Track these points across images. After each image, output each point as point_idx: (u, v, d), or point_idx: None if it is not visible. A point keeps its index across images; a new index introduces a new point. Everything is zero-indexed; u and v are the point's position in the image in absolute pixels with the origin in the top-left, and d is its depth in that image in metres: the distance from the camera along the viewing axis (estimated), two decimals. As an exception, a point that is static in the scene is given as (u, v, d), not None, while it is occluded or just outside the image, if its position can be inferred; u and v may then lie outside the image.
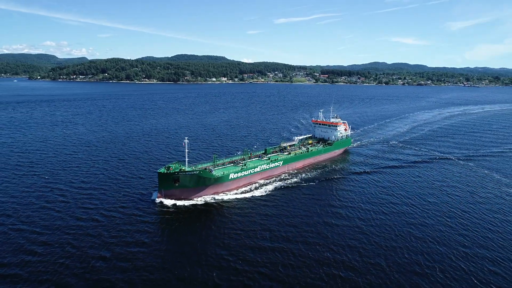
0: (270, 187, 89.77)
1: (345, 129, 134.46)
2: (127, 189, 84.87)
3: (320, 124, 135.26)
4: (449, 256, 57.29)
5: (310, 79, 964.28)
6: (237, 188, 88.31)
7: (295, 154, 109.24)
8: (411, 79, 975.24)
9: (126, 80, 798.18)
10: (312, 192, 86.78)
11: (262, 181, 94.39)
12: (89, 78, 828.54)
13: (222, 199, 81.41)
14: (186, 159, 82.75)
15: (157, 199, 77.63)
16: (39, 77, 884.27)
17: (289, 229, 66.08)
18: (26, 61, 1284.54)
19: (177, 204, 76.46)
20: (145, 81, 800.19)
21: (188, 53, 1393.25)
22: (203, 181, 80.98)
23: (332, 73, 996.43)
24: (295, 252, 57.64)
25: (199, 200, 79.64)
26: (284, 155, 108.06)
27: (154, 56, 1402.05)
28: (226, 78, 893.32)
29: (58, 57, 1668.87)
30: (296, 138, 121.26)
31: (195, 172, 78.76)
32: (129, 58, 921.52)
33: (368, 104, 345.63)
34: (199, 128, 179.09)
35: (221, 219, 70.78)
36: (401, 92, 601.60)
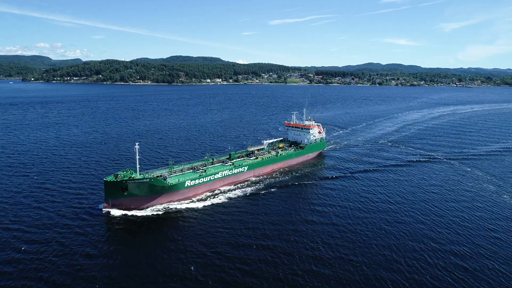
0: (231, 194, 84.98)
1: (319, 132, 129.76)
2: (74, 199, 79.56)
3: (292, 127, 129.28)
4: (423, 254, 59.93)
5: (305, 80, 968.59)
6: (194, 196, 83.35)
7: (262, 158, 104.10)
8: (404, 79, 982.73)
9: (121, 82, 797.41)
10: (276, 199, 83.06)
11: (223, 188, 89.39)
12: (83, 79, 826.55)
13: (176, 208, 76.39)
14: (137, 166, 77.19)
15: (103, 209, 72.87)
16: (32, 78, 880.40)
17: (245, 240, 62.06)
18: (20, 63, 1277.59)
19: (126, 214, 71.85)
20: (140, 82, 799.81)
21: (183, 55, 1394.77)
22: (155, 189, 76.09)
23: (326, 74, 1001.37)
24: (250, 269, 53.13)
25: (150, 210, 74.82)
26: (251, 160, 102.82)
27: (149, 57, 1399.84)
28: (220, 79, 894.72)
29: (52, 58, 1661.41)
30: (265, 141, 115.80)
31: (145, 180, 74.07)
32: (123, 60, 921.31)
33: (359, 104, 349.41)
34: (183, 130, 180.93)
35: (173, 229, 66.56)
36: (394, 92, 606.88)
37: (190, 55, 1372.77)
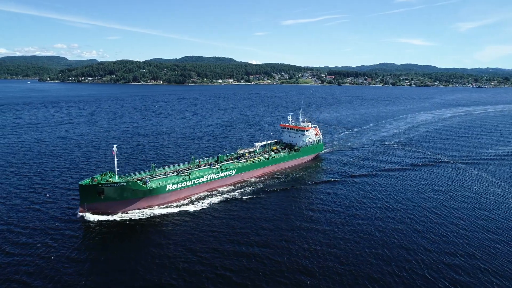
0: (216, 199, 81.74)
1: (316, 134, 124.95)
2: (51, 203, 77.39)
3: (288, 128, 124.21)
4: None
5: (316, 80, 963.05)
6: (177, 201, 79.98)
7: (252, 161, 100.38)
8: (418, 80, 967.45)
9: (133, 82, 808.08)
10: (264, 203, 79.51)
11: (208, 193, 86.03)
12: (97, 79, 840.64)
13: (156, 213, 73.61)
14: (116, 169, 75.31)
15: (78, 213, 70.62)
16: (48, 78, 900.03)
17: (227, 246, 59.65)
18: (37, 63, 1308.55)
19: (103, 219, 69.33)
20: (152, 82, 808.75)
21: (196, 55, 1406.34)
22: (133, 194, 73.13)
23: (339, 74, 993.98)
24: (232, 275, 51.33)
25: (128, 215, 72.13)
26: (240, 162, 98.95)
27: (162, 57, 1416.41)
28: (232, 80, 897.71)
29: (69, 59, 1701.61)
30: (257, 144, 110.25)
31: (122, 183, 71.42)
32: (138, 60, 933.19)
33: (369, 105, 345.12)
34: (188, 130, 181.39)
35: (151, 234, 64.31)
36: (406, 93, 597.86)
37: (203, 56, 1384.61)
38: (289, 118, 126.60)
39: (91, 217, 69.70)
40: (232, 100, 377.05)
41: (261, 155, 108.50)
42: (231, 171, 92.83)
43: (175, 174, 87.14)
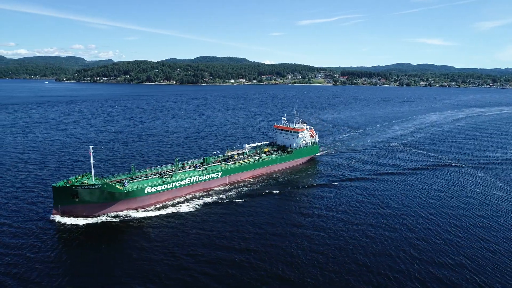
0: (198, 202, 79.07)
1: (311, 136, 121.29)
2: (30, 203, 76.65)
3: (281, 130, 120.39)
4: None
5: (329, 80, 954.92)
6: (157, 204, 77.59)
7: (240, 164, 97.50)
8: (434, 80, 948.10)
9: (147, 82, 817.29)
10: (249, 207, 76.70)
11: (191, 196, 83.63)
12: (112, 79, 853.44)
13: (131, 216, 71.53)
14: (92, 171, 73.46)
15: (51, 215, 68.93)
16: (64, 78, 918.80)
17: (205, 251, 57.72)
18: (55, 64, 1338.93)
19: (75, 223, 67.42)
20: (165, 82, 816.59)
21: (210, 55, 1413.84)
22: (109, 196, 71.17)
23: (352, 75, 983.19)
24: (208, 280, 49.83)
25: (104, 218, 70.09)
26: (228, 165, 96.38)
27: (177, 58, 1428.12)
28: (244, 80, 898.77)
29: (86, 59, 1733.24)
30: (247, 145, 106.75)
31: (96, 186, 69.57)
32: (153, 60, 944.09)
33: (380, 105, 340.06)
34: (193, 130, 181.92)
35: (126, 238, 62.43)
36: (420, 93, 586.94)
37: (217, 56, 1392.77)
38: (283, 119, 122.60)
39: (64, 220, 68.01)
40: (241, 100, 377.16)
41: (251, 157, 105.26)
42: (217, 173, 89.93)
43: (157, 176, 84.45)
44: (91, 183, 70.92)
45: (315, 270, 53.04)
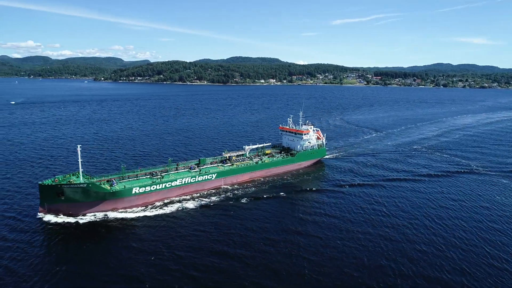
0: (189, 204, 77.39)
1: (318, 138, 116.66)
2: (22, 199, 77.78)
3: (286, 131, 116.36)
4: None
5: (361, 81, 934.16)
6: (145, 205, 76.55)
7: (237, 166, 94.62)
8: (474, 81, 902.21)
9: (179, 82, 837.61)
10: (242, 211, 74.42)
11: (182, 197, 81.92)
12: (146, 79, 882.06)
13: (117, 216, 70.95)
14: (80, 170, 73.50)
15: (38, 213, 69.33)
16: (102, 78, 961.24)
17: (191, 254, 56.58)
18: (95, 64, 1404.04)
19: (59, 221, 67.53)
20: (196, 82, 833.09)
21: (243, 55, 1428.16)
22: (95, 195, 70.84)
23: (386, 75, 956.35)
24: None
25: (90, 217, 69.86)
26: (225, 166, 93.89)
27: (210, 58, 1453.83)
28: (274, 80, 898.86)
29: (124, 60, 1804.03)
30: (246, 147, 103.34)
31: (82, 184, 69.35)
32: (187, 61, 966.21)
33: (410, 106, 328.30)
34: (213, 129, 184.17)
35: (110, 239, 62.01)
36: (457, 95, 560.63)
37: (250, 56, 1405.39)
38: (289, 120, 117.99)
39: (50, 218, 68.47)
40: (267, 101, 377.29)
41: (251, 159, 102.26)
42: (211, 175, 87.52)
43: (149, 176, 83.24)
44: (76, 182, 71.14)
45: (301, 280, 51.17)
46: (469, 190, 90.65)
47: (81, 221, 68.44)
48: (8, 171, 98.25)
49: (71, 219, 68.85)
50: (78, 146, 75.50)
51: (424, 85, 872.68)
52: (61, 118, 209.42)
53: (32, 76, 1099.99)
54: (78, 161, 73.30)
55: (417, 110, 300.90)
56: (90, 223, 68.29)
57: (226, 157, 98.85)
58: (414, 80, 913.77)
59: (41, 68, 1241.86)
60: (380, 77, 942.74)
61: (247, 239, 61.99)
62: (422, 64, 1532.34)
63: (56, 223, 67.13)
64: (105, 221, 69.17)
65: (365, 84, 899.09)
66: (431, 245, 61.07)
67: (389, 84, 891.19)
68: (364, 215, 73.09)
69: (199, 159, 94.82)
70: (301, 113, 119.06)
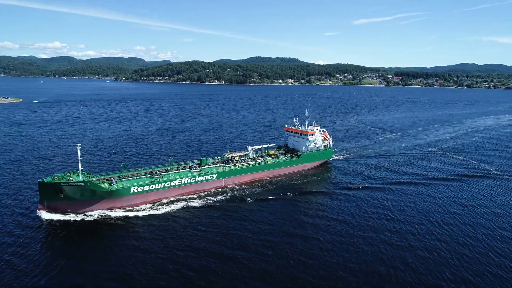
0: (187, 204, 77.19)
1: (324, 139, 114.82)
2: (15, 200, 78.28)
3: (292, 132, 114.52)
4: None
5: (381, 81, 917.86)
6: (143, 204, 76.57)
7: (239, 166, 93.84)
8: (499, 81, 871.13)
9: (198, 82, 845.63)
10: (240, 212, 73.36)
11: (182, 197, 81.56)
12: (165, 79, 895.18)
13: (114, 215, 71.31)
14: (80, 168, 74.35)
15: (37, 210, 70.52)
16: (123, 78, 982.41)
17: (187, 254, 56.47)
18: (118, 64, 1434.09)
19: (57, 218, 68.48)
20: (215, 82, 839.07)
21: (262, 55, 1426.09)
22: (93, 194, 71.35)
23: (407, 75, 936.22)
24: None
25: (88, 215, 70.47)
26: (227, 167, 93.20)
27: (230, 58, 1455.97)
28: (292, 80, 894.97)
29: (146, 60, 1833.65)
30: (250, 147, 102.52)
31: (80, 183, 69.97)
32: (207, 61, 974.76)
33: (429, 108, 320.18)
34: (223, 129, 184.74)
35: (106, 238, 62.34)
36: (480, 96, 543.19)
37: (269, 56, 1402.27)
38: (295, 120, 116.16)
39: (48, 215, 69.39)
40: (284, 101, 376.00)
41: (254, 159, 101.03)
42: (211, 175, 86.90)
43: (149, 176, 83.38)
44: (75, 180, 71.98)
45: (294, 284, 50.43)
46: (481, 195, 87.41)
47: (79, 219, 69.36)
48: (23, 168, 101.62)
49: (70, 217, 69.72)
50: (78, 145, 76.41)
51: (446, 86, 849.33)
52: (79, 117, 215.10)
53: (57, 76, 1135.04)
54: (78, 160, 74.28)
55: (435, 111, 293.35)
56: (88, 221, 69.04)
57: (228, 157, 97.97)
58: (436, 80, 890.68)
59: (65, 68, 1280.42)
60: (400, 78, 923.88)
61: (246, 240, 61.73)
62: (446, 64, 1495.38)
63: (54, 221, 68.01)
64: (104, 219, 69.79)
65: (385, 85, 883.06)
66: (433, 251, 59.18)
67: (409, 84, 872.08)
68: (368, 219, 71.49)
69: (201, 159, 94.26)
70: (307, 114, 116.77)
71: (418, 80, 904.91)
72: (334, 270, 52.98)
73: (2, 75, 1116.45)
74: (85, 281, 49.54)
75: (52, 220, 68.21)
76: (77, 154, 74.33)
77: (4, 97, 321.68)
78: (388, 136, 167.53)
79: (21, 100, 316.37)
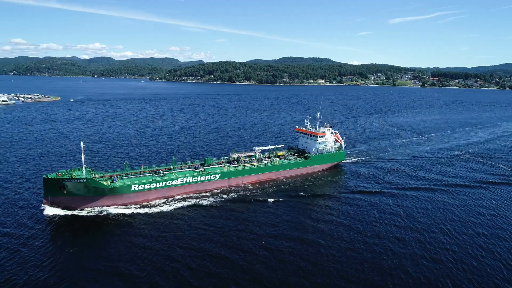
0: (189, 203, 77.58)
1: (336, 141, 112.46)
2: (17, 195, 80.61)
3: (303, 133, 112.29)
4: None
5: (416, 82, 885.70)
6: (144, 202, 77.59)
7: (243, 167, 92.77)
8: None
9: (228, 82, 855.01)
10: (243, 213, 72.85)
11: (183, 196, 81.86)
12: (197, 79, 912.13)
13: (115, 211, 72.55)
14: (83, 165, 76.51)
15: (42, 205, 73.04)
16: (157, 78, 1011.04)
17: (181, 252, 57.01)
18: (153, 64, 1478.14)
19: (59, 213, 70.67)
20: (245, 82, 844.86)
21: (294, 56, 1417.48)
22: (95, 191, 73.17)
23: (445, 76, 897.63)
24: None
25: (90, 211, 72.35)
26: (231, 167, 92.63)
27: (262, 58, 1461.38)
28: (323, 80, 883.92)
29: (180, 60, 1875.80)
30: (256, 148, 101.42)
31: (82, 179, 71.77)
32: (240, 61, 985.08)
33: (462, 110, 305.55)
34: (243, 129, 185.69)
35: (106, 234, 63.52)
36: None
37: (301, 56, 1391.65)
38: (307, 122, 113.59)
39: (51, 210, 71.84)
40: (311, 102, 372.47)
41: (260, 160, 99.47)
42: (215, 175, 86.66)
43: (152, 174, 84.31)
44: (77, 176, 74.00)
45: (296, 278, 50.81)
46: (504, 204, 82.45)
47: (81, 215, 71.56)
48: (49, 162, 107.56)
49: (72, 212, 72.12)
50: (82, 142, 79.01)
51: (487, 87, 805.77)
52: (109, 115, 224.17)
53: (95, 76, 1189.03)
54: (82, 157, 76.82)
55: (469, 113, 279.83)
56: (90, 217, 70.90)
57: (234, 157, 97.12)
58: (476, 81, 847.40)
59: (104, 68, 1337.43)
60: (437, 78, 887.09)
61: (245, 242, 61.78)
62: (488, 65, 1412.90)
63: (57, 215, 70.42)
64: (106, 216, 71.33)
65: (420, 85, 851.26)
66: (439, 260, 56.69)
67: (447, 85, 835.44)
68: (375, 224, 69.57)
69: (205, 159, 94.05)
70: (318, 114, 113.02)
71: (456, 81, 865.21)
72: (330, 276, 52.02)
73: (47, 74, 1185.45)
74: (84, 275, 51.29)
75: (54, 214, 70.62)
76: (80, 151, 77.18)
77: (45, 96, 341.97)
78: (414, 138, 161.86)
79: (59, 98, 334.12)
